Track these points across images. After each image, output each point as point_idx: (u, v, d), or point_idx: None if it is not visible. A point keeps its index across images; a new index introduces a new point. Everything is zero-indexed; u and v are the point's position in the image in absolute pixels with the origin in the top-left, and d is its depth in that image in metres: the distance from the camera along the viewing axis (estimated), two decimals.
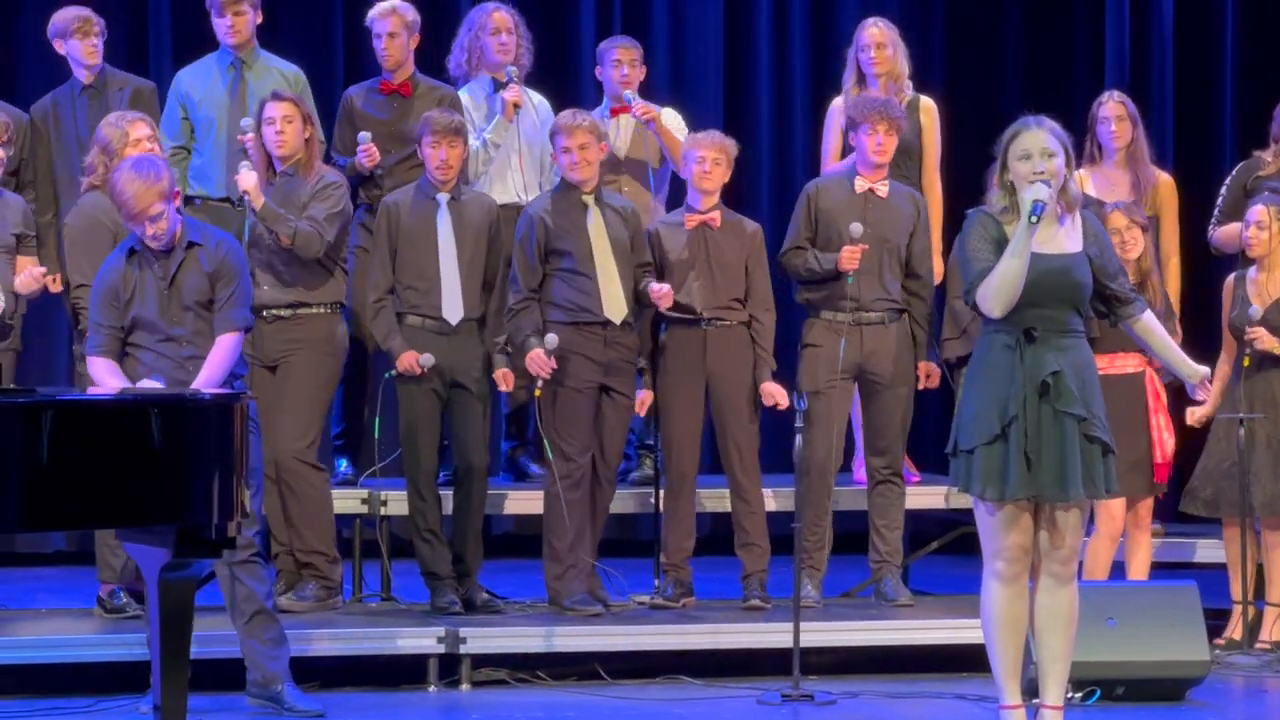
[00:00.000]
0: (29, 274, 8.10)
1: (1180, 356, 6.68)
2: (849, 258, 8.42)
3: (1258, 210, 8.56)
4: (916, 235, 8.63)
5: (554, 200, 8.36)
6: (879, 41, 9.15)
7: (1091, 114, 9.19)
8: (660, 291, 8.27)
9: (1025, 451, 6.34)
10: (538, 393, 8.16)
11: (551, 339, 8.14)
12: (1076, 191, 6.50)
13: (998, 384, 6.38)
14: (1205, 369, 6.69)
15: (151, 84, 9.04)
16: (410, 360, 8.15)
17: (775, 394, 8.42)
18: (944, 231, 9.15)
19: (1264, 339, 8.44)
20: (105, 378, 7.06)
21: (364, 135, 8.70)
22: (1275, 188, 8.88)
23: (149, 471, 5.99)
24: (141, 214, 6.95)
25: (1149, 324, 6.59)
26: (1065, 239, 6.44)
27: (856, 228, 8.40)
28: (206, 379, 6.99)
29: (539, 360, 8.14)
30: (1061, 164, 6.39)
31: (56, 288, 8.39)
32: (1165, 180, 9.21)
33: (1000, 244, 6.38)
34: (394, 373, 8.23)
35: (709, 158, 8.44)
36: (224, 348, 7.09)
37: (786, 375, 8.72)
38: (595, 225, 8.34)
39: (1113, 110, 9.09)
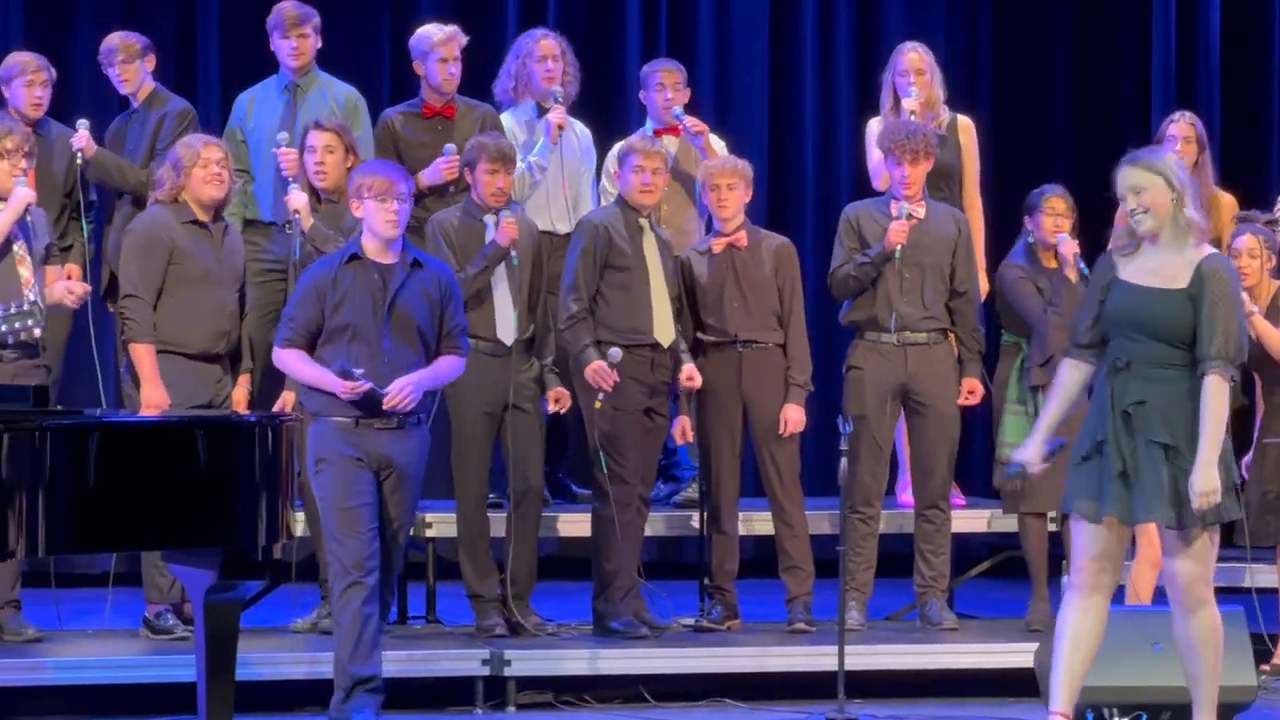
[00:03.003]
0: (75, 291, 8.00)
1: (1203, 456, 6.31)
2: (898, 230, 8.41)
3: (1246, 239, 8.48)
4: (959, 253, 8.62)
5: (614, 215, 8.38)
6: (918, 67, 9.11)
7: (1159, 133, 9.14)
8: (689, 375, 8.32)
9: (1118, 474, 6.39)
10: (598, 404, 8.15)
11: (615, 352, 8.14)
12: (1191, 218, 6.41)
13: (1097, 408, 6.49)
14: (1208, 489, 6.35)
15: (188, 104, 9.05)
16: (509, 229, 8.14)
17: (791, 420, 8.40)
18: (987, 249, 9.16)
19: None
20: (300, 367, 7.30)
21: (450, 147, 8.68)
22: (1251, 217, 8.83)
23: (195, 493, 6.03)
24: (392, 188, 7.27)
25: (1204, 393, 6.35)
26: (1172, 271, 6.40)
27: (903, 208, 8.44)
28: (419, 380, 7.23)
29: (602, 372, 8.14)
30: (1156, 196, 6.37)
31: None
32: (1228, 202, 9.16)
33: (1105, 283, 6.47)
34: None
35: (722, 184, 8.45)
36: (449, 364, 7.41)
37: (833, 398, 8.72)
38: (650, 248, 8.36)
39: (1181, 130, 9.00)
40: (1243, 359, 6.44)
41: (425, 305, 7.32)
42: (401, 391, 7.20)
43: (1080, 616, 6.48)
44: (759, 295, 8.47)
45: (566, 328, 8.27)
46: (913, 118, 8.89)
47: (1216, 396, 6.33)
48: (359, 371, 7.16)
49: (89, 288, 8.05)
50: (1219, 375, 6.34)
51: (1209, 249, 6.45)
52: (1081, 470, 6.47)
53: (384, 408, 7.19)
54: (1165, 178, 6.40)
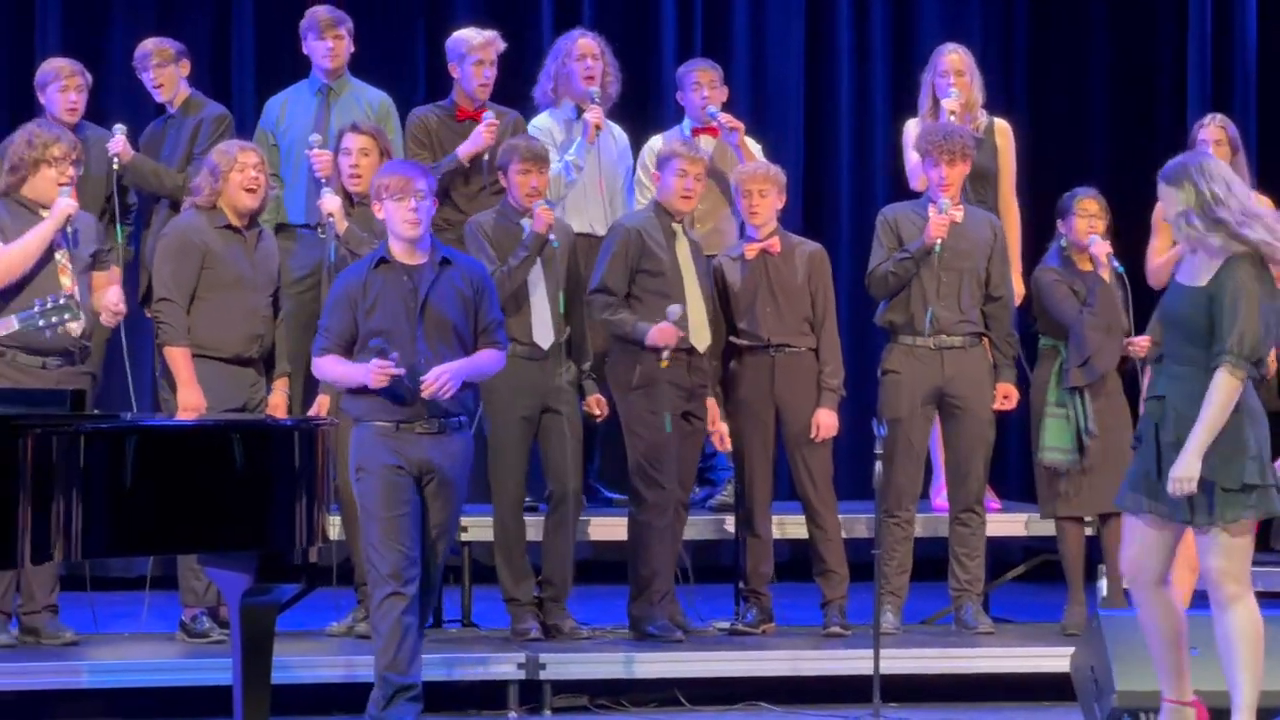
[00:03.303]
0: (114, 306, 8.03)
1: (1191, 444, 6.33)
2: (938, 224, 8.40)
3: None
4: (994, 258, 8.62)
5: (649, 219, 8.38)
6: (958, 69, 9.11)
7: (1191, 136, 9.10)
8: (712, 420, 8.39)
9: (1144, 472, 6.46)
10: (664, 363, 8.15)
11: (674, 309, 8.14)
12: (1193, 225, 6.41)
13: (1149, 399, 6.58)
14: (1185, 475, 6.36)
15: (224, 110, 9.07)
16: (543, 215, 8.16)
17: (823, 425, 8.40)
18: (1023, 252, 9.14)
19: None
20: (333, 368, 7.27)
21: (489, 115, 8.71)
22: None
23: (231, 497, 6.04)
24: (408, 185, 7.19)
25: (1211, 385, 6.36)
26: (1202, 270, 6.45)
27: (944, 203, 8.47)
28: (457, 369, 7.15)
29: (668, 331, 8.13)
30: (1167, 208, 6.45)
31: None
32: (1265, 205, 9.11)
33: (1170, 281, 6.66)
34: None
35: (754, 191, 8.45)
36: (488, 356, 7.33)
37: (868, 402, 8.71)
38: (683, 252, 8.37)
39: (1212, 134, 8.93)
40: (1260, 357, 6.41)
41: (458, 303, 7.28)
42: (439, 379, 7.13)
43: (1142, 606, 6.55)
44: (791, 301, 8.46)
45: (608, 315, 8.25)
46: (951, 118, 8.89)
47: (1221, 390, 6.32)
48: (395, 355, 7.13)
49: (124, 311, 8.06)
50: (1228, 370, 6.33)
51: (1245, 247, 6.39)
52: (1135, 461, 6.55)
53: (423, 395, 7.15)
54: (1172, 187, 6.43)
